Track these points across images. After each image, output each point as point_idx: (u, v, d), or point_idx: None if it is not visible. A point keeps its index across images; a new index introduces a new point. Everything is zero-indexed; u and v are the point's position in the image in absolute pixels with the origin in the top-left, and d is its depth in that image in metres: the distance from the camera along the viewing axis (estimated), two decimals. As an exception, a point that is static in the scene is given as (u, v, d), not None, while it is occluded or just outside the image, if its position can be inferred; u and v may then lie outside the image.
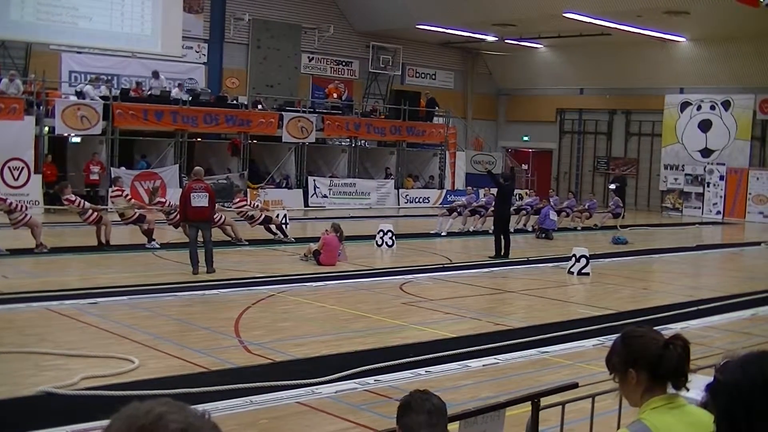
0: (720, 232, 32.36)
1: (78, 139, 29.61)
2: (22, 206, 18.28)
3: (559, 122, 45.00)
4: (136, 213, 19.72)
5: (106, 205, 24.33)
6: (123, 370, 9.04)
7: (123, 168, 28.47)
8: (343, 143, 37.06)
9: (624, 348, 3.31)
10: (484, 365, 9.96)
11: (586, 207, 29.87)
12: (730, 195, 37.27)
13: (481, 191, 27.80)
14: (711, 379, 2.55)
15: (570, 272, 17.93)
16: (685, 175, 38.96)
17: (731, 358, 2.54)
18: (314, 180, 33.89)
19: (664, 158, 40.02)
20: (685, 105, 39.21)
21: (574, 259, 18.02)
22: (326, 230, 18.40)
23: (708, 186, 38.04)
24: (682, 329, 11.86)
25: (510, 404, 5.44)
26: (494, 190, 22.77)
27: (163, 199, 21.30)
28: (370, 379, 9.04)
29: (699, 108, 38.79)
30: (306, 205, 32.88)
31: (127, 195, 20.84)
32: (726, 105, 37.88)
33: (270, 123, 32.22)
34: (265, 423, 7.60)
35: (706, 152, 38.61)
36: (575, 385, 6.17)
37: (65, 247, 18.68)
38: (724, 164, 37.72)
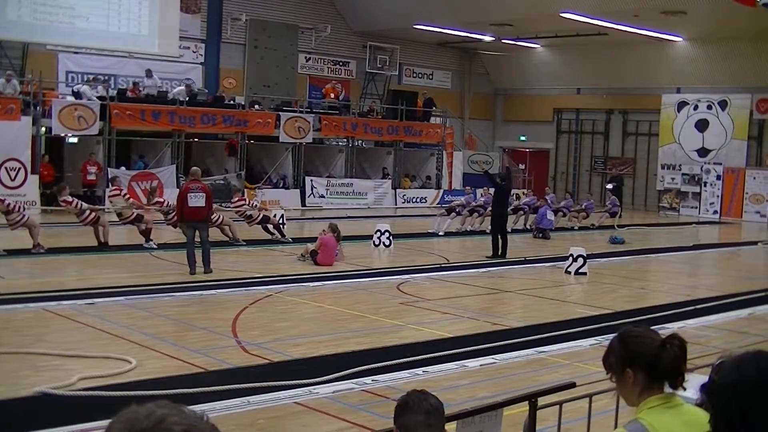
0: (717, 232, 32.38)
1: (75, 140, 29.61)
2: (19, 207, 18.25)
3: (556, 122, 45.03)
4: (134, 213, 19.71)
5: (103, 205, 24.30)
6: (120, 370, 9.03)
7: (121, 168, 28.46)
8: (340, 143, 37.06)
9: (621, 347, 3.31)
10: (481, 365, 9.96)
11: (583, 207, 29.87)
12: (727, 194, 37.30)
13: (479, 191, 27.80)
14: (708, 377, 2.56)
15: (567, 272, 17.94)
16: (682, 174, 38.98)
17: (727, 358, 2.55)
18: (311, 180, 33.88)
19: (661, 158, 40.05)
20: (682, 105, 39.24)
21: (571, 258, 18.04)
22: (323, 230, 18.39)
23: (705, 185, 38.07)
24: (679, 329, 11.87)
25: (507, 404, 5.44)
26: (492, 190, 22.78)
27: (161, 199, 21.30)
28: (368, 379, 9.04)
29: (696, 108, 38.83)
30: (303, 205, 32.88)
31: (125, 194, 20.82)
32: (723, 105, 37.92)
33: (267, 123, 32.22)
34: (263, 423, 7.60)
35: (703, 152, 38.65)
36: (573, 385, 6.17)
37: (62, 248, 18.66)
38: (721, 164, 37.75)
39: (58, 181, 25.19)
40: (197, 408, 1.80)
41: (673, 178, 39.42)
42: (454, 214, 25.86)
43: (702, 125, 38.63)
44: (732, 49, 36.13)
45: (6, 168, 25.84)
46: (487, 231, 22.76)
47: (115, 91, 29.91)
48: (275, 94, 36.17)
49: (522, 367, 10.02)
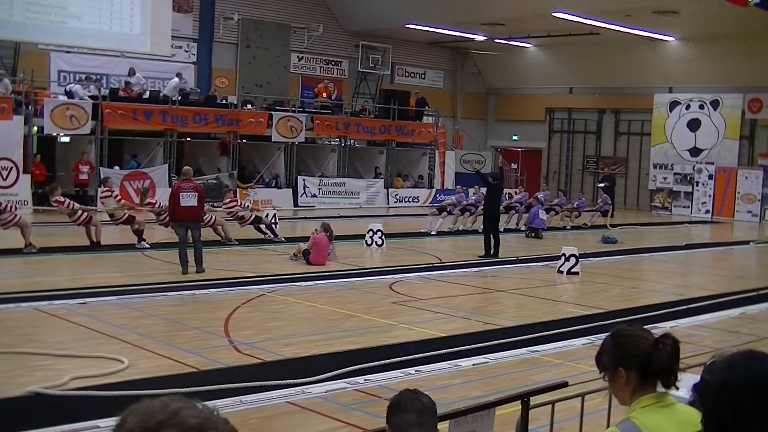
0: (709, 231, 32.44)
1: (67, 139, 29.55)
2: (11, 207, 18.20)
3: (548, 121, 45.08)
4: (125, 214, 19.68)
5: (96, 205, 24.26)
6: (113, 370, 9.02)
7: (114, 168, 28.41)
8: (332, 143, 37.04)
9: (614, 347, 3.31)
10: (473, 364, 9.97)
11: (575, 206, 29.93)
12: (719, 194, 37.37)
13: (471, 190, 27.81)
14: (700, 377, 2.56)
15: (560, 271, 17.95)
16: (674, 174, 39.06)
17: (718, 358, 2.55)
18: (304, 179, 33.85)
19: (653, 157, 40.13)
20: (674, 104, 39.33)
21: (563, 258, 18.05)
22: (316, 230, 18.39)
23: (697, 185, 38.13)
24: (672, 328, 11.90)
25: (500, 403, 5.45)
26: (484, 189, 22.81)
27: (153, 200, 21.26)
28: (360, 379, 9.05)
29: (688, 107, 38.92)
30: (295, 204, 32.85)
31: (116, 196, 20.79)
32: (715, 104, 38.01)
33: (259, 122, 32.19)
34: (255, 423, 7.59)
35: (695, 151, 38.73)
36: (565, 384, 6.18)
37: (54, 247, 18.60)
38: (713, 163, 37.82)
39: (50, 180, 25.13)
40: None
41: (665, 178, 39.49)
42: (445, 213, 25.87)
43: (694, 125, 38.71)
44: (724, 49, 36.20)
45: (-3, 167, 25.80)
46: (480, 230, 22.79)
47: (107, 91, 29.86)
48: (267, 94, 36.13)
49: (514, 366, 10.03)
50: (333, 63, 40.66)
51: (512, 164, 44.76)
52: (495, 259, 19.89)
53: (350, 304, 13.58)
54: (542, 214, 25.96)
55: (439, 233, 24.96)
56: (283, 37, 37.83)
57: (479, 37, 39.96)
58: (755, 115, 37.26)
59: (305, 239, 18.64)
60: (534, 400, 5.60)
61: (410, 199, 37.01)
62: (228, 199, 22.19)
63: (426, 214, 27.04)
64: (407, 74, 43.84)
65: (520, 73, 44.86)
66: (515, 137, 46.25)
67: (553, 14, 33.03)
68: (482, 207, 23.12)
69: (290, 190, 33.37)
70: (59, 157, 29.70)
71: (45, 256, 17.64)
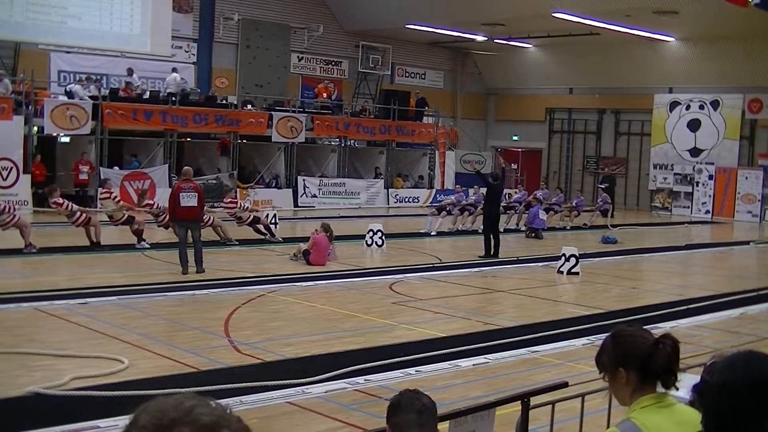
0: (709, 232, 32.44)
1: (67, 139, 29.54)
2: (10, 208, 18.14)
3: (548, 122, 45.08)
4: (124, 215, 19.68)
5: (95, 205, 24.25)
6: (113, 370, 9.02)
7: (114, 168, 28.41)
8: (332, 143, 37.04)
9: (614, 347, 3.31)
10: (474, 365, 9.97)
11: (574, 204, 29.93)
12: (719, 194, 37.35)
13: (470, 190, 27.80)
14: (700, 378, 2.56)
15: (560, 271, 17.95)
16: (674, 174, 39.05)
17: (718, 359, 2.55)
18: (304, 180, 33.85)
19: (653, 158, 40.12)
20: (674, 104, 39.33)
21: (563, 258, 18.05)
22: (316, 230, 18.38)
23: (697, 185, 38.12)
24: (672, 328, 11.90)
25: (500, 404, 5.45)
26: (483, 189, 22.80)
27: (151, 201, 21.24)
28: (360, 379, 9.05)
29: (688, 107, 38.91)
30: (296, 204, 32.84)
31: (115, 197, 20.78)
32: (715, 104, 38.00)
33: (259, 123, 32.18)
34: (255, 423, 7.58)
35: (695, 152, 38.73)
36: (565, 385, 6.18)
37: (54, 248, 18.60)
38: (713, 163, 37.82)
39: (50, 180, 25.13)
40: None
41: (665, 178, 39.49)
42: (444, 212, 25.87)
43: (694, 125, 38.71)
44: (724, 49, 36.20)
45: (-2, 168, 25.80)
46: (479, 231, 22.79)
47: (107, 91, 29.86)
48: (268, 94, 36.13)
49: (514, 366, 10.03)
50: (333, 63, 40.66)
51: (512, 164, 44.73)
52: (495, 259, 19.89)
53: (350, 305, 13.57)
54: (542, 215, 25.96)
55: (439, 233, 24.96)
56: (283, 38, 37.83)
57: (479, 38, 39.95)
58: (755, 116, 37.25)
59: (305, 239, 18.63)
60: (534, 400, 5.61)
61: (410, 200, 37.00)
62: (228, 200, 22.20)
63: (426, 215, 27.03)
64: (407, 74, 43.84)
65: (520, 73, 44.85)
66: (515, 137, 46.25)
67: (553, 14, 33.03)
68: (482, 207, 23.13)
69: (290, 190, 33.36)
70: (59, 157, 29.69)
71: (45, 256, 17.64)
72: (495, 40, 40.10)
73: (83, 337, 10.67)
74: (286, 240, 21.51)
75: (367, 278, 16.43)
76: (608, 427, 4.26)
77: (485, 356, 10.32)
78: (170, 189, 19.74)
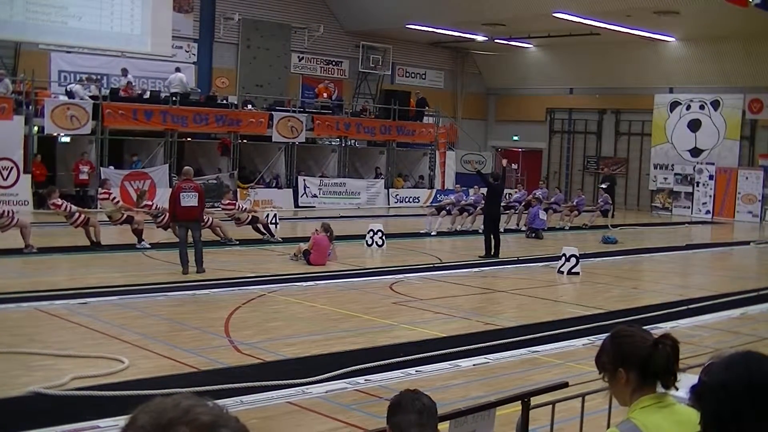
0: (709, 232, 32.44)
1: (67, 139, 29.54)
2: (8, 212, 18.04)
3: (548, 122, 45.07)
4: (123, 215, 19.67)
5: (95, 206, 24.24)
6: (113, 370, 9.02)
7: (113, 168, 28.41)
8: (333, 143, 37.05)
9: (613, 347, 3.32)
10: (474, 365, 9.97)
11: (575, 204, 29.92)
12: (720, 194, 37.35)
13: (471, 190, 27.80)
14: (697, 379, 2.56)
15: (560, 272, 17.95)
16: (675, 174, 39.04)
17: (716, 359, 2.55)
18: (304, 180, 33.85)
19: (653, 158, 40.11)
20: (674, 105, 39.31)
21: (564, 258, 18.05)
22: (316, 230, 18.39)
23: (697, 185, 38.12)
24: (672, 328, 11.91)
25: (500, 404, 5.45)
26: (483, 189, 22.79)
27: (150, 202, 21.22)
28: (360, 379, 9.05)
29: (688, 108, 38.90)
30: (296, 204, 32.84)
31: (114, 198, 20.73)
32: (715, 105, 37.99)
33: (260, 123, 32.19)
34: (256, 423, 7.58)
35: (695, 152, 38.72)
36: (565, 385, 6.19)
37: (54, 247, 18.60)
38: (713, 164, 37.81)
39: (50, 180, 25.15)
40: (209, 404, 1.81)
41: (665, 178, 39.48)
42: (444, 212, 25.86)
43: (694, 125, 38.70)
44: (724, 49, 36.20)
45: (-2, 167, 25.80)
46: (479, 231, 22.79)
47: (108, 91, 29.86)
48: (268, 94, 36.14)
49: (515, 366, 10.03)
50: (333, 63, 40.66)
51: (513, 164, 44.72)
52: (495, 259, 19.89)
53: (350, 304, 13.58)
54: (542, 215, 25.95)
55: (439, 233, 24.96)
56: (284, 38, 37.84)
57: (480, 38, 39.95)
58: (756, 116, 37.23)
59: (305, 239, 18.64)
60: (534, 400, 5.61)
61: (410, 200, 37.01)
62: (227, 201, 22.18)
63: (426, 215, 27.02)
64: (407, 74, 43.83)
65: (520, 73, 44.84)
66: (516, 137, 46.24)
67: (554, 14, 33.04)
68: (482, 207, 23.13)
69: (290, 190, 33.37)
70: (59, 157, 29.70)
71: (45, 256, 17.64)
72: (495, 40, 40.10)
73: (83, 337, 10.67)
74: (286, 240, 21.52)
75: (368, 278, 16.43)
76: (608, 427, 4.26)
77: (485, 356, 10.32)
78: (170, 189, 19.72)
